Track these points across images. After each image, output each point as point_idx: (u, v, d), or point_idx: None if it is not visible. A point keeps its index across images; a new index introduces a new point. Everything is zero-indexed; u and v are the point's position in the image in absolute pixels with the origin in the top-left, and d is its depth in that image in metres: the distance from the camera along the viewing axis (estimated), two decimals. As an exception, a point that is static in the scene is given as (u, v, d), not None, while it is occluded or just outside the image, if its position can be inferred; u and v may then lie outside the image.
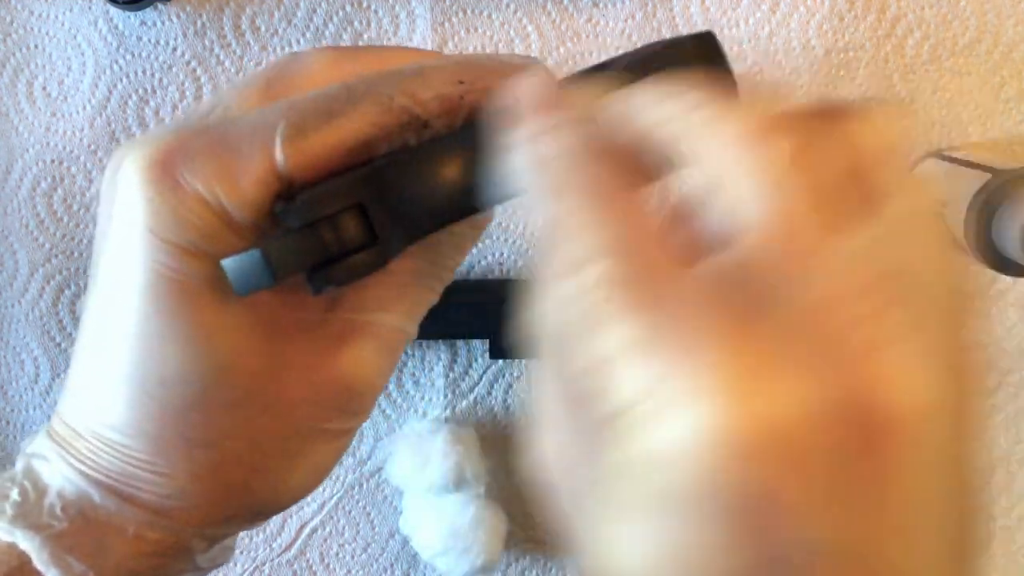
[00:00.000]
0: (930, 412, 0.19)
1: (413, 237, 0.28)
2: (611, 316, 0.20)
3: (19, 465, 0.29)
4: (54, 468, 0.28)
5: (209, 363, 0.27)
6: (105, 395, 0.27)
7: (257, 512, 0.30)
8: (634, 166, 0.22)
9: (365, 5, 0.51)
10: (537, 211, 0.23)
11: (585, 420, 0.21)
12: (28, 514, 0.28)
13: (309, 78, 0.28)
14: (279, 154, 0.26)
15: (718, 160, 0.21)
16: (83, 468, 0.28)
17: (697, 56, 0.27)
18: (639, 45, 0.54)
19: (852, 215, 0.20)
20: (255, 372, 0.27)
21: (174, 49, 0.50)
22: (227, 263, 0.26)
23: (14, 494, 0.28)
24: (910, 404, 0.19)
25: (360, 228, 0.27)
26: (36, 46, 0.50)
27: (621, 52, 0.29)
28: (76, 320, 0.52)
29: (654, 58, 0.28)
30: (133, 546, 0.28)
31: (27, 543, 0.27)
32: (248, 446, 0.28)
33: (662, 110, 0.22)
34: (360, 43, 0.51)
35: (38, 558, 0.27)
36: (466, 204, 0.28)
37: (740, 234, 0.20)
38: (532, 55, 0.51)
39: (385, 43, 0.51)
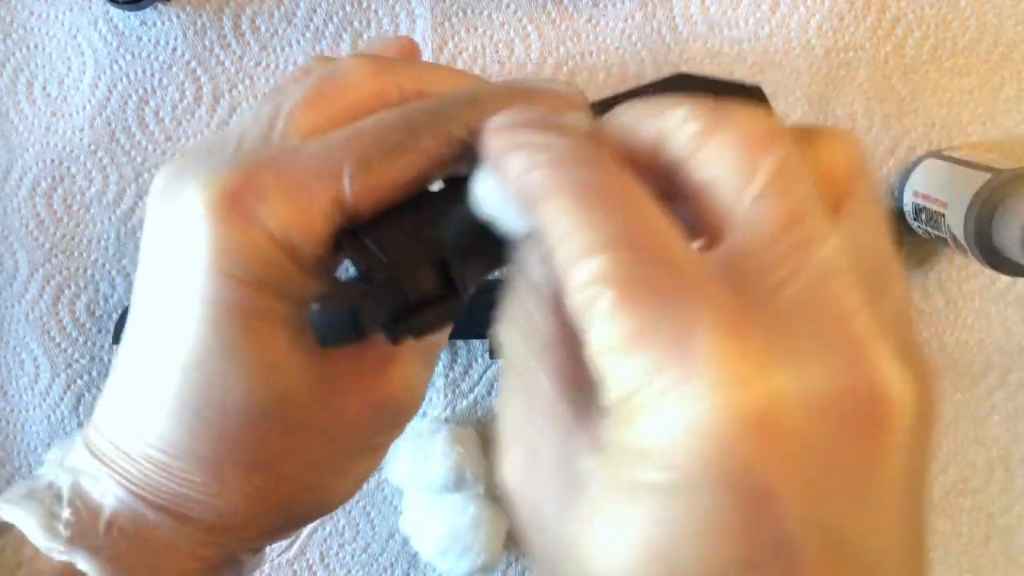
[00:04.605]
0: (910, 403, 0.20)
1: (485, 275, 0.28)
2: (607, 312, 0.20)
3: (61, 480, 0.29)
4: (105, 488, 0.28)
5: (269, 393, 0.27)
6: (160, 421, 0.28)
7: (302, 523, 0.31)
8: (641, 171, 0.22)
9: (365, 5, 0.51)
10: (521, 223, 0.23)
11: (559, 424, 0.22)
12: (84, 535, 0.28)
13: (352, 92, 0.28)
14: (348, 190, 0.26)
15: (717, 164, 0.21)
16: (136, 490, 0.28)
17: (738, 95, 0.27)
18: (639, 46, 0.54)
19: (828, 219, 0.21)
20: (311, 399, 0.28)
21: (174, 49, 0.50)
22: (315, 317, 0.26)
23: (66, 513, 0.28)
24: (898, 394, 0.19)
25: (441, 280, 0.27)
26: (36, 46, 0.50)
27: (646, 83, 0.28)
28: (76, 320, 0.52)
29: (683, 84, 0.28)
30: (186, 563, 0.29)
31: (86, 564, 0.28)
32: (301, 467, 0.29)
33: (664, 120, 0.23)
34: (360, 43, 0.51)
35: None
36: None
37: (737, 229, 0.21)
38: (534, 50, 0.51)
39: (385, 43, 0.51)
